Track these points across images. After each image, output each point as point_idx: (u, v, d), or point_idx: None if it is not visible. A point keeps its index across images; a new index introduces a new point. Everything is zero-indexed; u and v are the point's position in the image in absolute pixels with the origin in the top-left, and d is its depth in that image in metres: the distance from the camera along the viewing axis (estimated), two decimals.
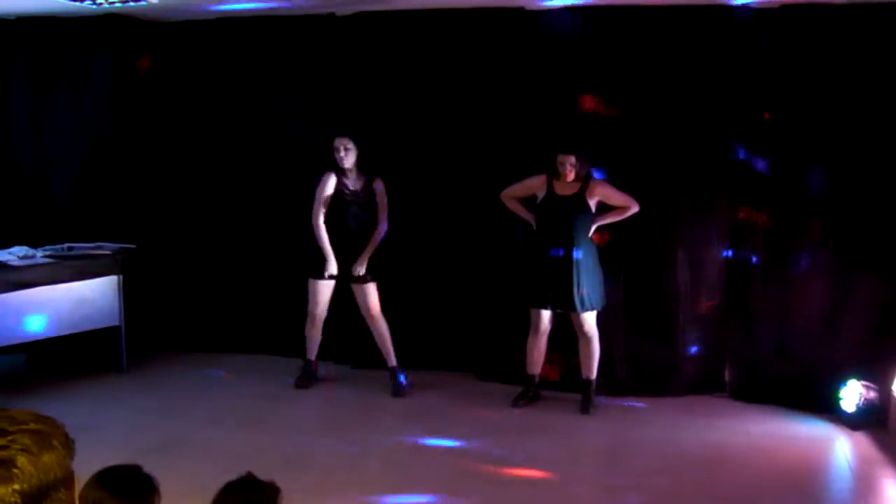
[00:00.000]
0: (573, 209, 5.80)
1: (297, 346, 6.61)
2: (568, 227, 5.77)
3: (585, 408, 5.96)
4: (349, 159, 6.08)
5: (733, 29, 5.98)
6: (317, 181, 6.16)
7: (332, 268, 6.13)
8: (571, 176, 5.79)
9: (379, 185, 6.22)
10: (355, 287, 6.25)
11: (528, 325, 6.05)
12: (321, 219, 6.13)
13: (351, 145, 6.06)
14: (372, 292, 6.25)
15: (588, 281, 5.81)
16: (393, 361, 6.34)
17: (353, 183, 6.16)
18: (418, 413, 5.95)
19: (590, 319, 5.89)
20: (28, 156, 7.19)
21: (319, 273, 6.19)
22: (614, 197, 5.87)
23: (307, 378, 6.45)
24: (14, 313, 6.00)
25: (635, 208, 5.85)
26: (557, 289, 5.80)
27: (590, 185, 5.83)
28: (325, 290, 6.28)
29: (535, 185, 5.94)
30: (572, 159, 5.75)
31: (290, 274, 6.68)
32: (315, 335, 6.41)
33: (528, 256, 6.01)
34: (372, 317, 6.28)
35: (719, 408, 6.13)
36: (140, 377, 6.62)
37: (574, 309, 5.82)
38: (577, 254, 5.77)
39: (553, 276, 5.80)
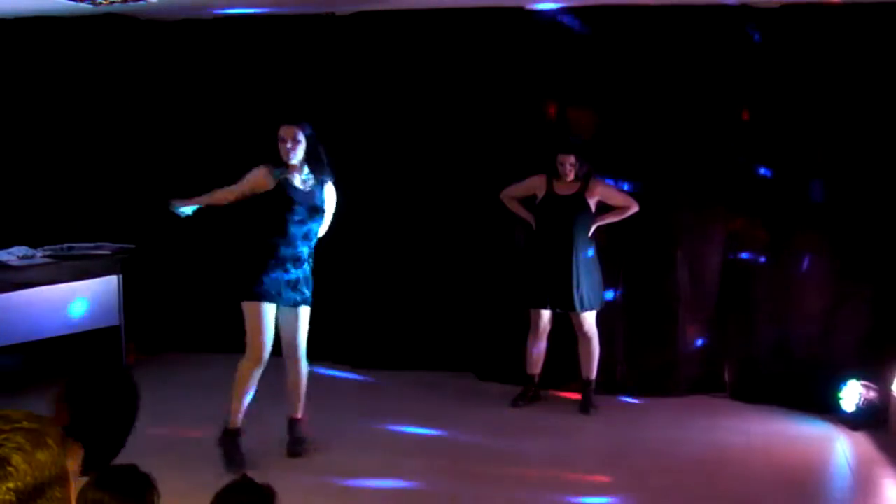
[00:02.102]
0: (573, 209, 5.79)
1: None
2: (568, 226, 5.77)
3: (585, 408, 5.96)
4: (298, 153, 4.92)
5: (733, 29, 5.98)
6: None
7: None
8: (571, 176, 5.79)
9: (331, 187, 5.14)
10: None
11: (527, 324, 6.05)
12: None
13: (301, 137, 4.93)
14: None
15: (588, 281, 5.81)
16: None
17: (302, 183, 5.00)
18: (418, 413, 5.95)
19: (589, 319, 5.89)
20: (28, 155, 7.19)
21: None
22: (614, 197, 5.88)
23: None
24: (14, 313, 6.00)
25: (635, 208, 5.85)
26: (557, 288, 5.80)
27: (590, 185, 5.83)
28: None
29: (535, 184, 5.93)
30: (572, 159, 5.75)
31: None
32: None
33: (528, 256, 6.01)
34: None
35: (719, 408, 6.13)
36: (140, 377, 6.59)
37: (573, 309, 5.82)
38: (577, 253, 5.77)
39: (553, 275, 5.80)
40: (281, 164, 4.93)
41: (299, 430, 5.20)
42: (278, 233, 4.91)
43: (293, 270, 4.95)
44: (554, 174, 5.84)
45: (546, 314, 5.97)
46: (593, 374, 6.00)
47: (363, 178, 6.82)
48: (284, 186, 4.92)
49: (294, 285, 4.96)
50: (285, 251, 4.92)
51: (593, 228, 5.86)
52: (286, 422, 5.20)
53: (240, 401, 4.92)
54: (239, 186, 5.00)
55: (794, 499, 4.76)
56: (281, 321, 5.01)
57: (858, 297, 5.88)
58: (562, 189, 5.84)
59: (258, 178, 4.97)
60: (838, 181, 5.90)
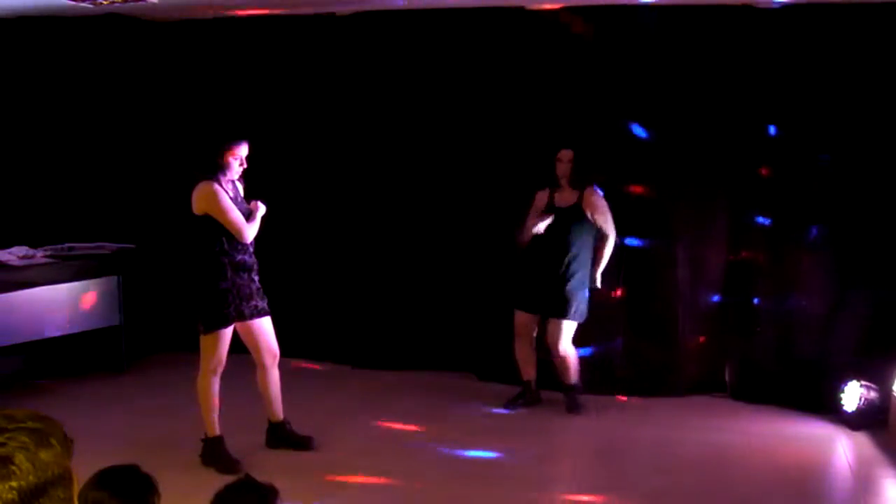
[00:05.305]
0: (570, 220, 5.77)
1: (294, 345, 6.61)
2: (564, 237, 5.75)
3: (571, 409, 5.90)
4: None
5: (735, 29, 5.98)
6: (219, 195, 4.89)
7: None
8: (568, 174, 5.75)
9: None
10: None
11: None
12: None
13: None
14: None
15: (578, 292, 5.79)
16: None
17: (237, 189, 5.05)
18: (418, 413, 5.95)
19: (567, 331, 5.82)
20: (28, 155, 7.19)
21: None
22: (601, 215, 5.79)
23: None
24: (14, 313, 6.00)
25: (613, 236, 5.82)
26: (546, 294, 5.78)
27: (585, 196, 5.80)
28: None
29: (543, 201, 5.88)
30: (570, 154, 5.74)
31: (287, 273, 6.67)
32: None
33: (524, 260, 5.95)
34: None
35: (719, 408, 6.13)
36: (140, 377, 6.62)
37: (560, 314, 5.76)
38: (571, 264, 5.75)
39: (543, 282, 5.78)
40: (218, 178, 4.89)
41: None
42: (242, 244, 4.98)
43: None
44: (554, 183, 5.83)
45: (526, 318, 5.92)
46: (573, 380, 5.95)
47: (363, 179, 6.83)
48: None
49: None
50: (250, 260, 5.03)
51: (598, 280, 5.87)
52: (278, 426, 5.27)
53: (212, 409, 4.99)
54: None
55: (794, 499, 4.76)
56: (256, 331, 5.07)
57: (859, 298, 5.88)
58: (561, 200, 5.82)
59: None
60: (840, 180, 5.90)
